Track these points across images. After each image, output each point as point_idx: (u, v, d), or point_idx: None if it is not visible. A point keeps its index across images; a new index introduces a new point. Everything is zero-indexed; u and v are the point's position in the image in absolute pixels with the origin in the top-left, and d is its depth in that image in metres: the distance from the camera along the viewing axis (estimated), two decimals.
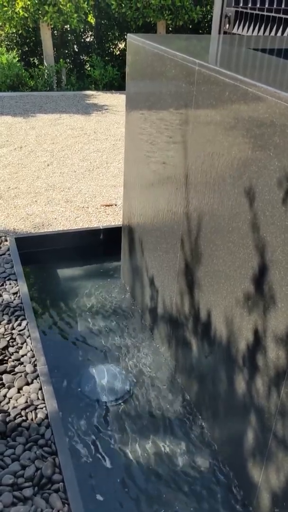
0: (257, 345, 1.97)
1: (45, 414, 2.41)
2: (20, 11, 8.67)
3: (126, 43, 10.76)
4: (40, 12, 8.80)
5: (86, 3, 8.87)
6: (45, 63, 9.75)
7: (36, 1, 8.62)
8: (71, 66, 11.15)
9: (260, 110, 1.76)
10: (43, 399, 2.49)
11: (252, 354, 2.02)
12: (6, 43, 10.76)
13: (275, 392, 1.89)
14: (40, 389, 2.55)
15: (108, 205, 4.68)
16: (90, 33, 11.45)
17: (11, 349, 2.79)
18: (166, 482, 2.38)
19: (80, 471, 2.37)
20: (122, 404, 2.78)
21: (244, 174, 1.91)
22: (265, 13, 5.30)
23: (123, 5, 9.53)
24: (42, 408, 2.44)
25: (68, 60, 11.14)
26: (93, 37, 11.46)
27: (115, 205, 4.70)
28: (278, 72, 2.21)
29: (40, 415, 2.40)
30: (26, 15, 8.75)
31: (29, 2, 8.55)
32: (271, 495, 2.03)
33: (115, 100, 8.73)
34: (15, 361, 2.71)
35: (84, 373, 2.96)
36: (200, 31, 11.31)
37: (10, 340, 2.85)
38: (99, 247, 4.15)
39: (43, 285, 3.81)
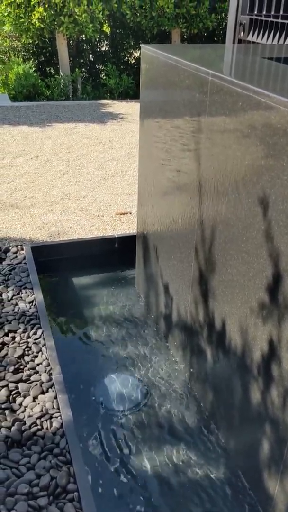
0: (272, 355, 1.96)
1: (60, 423, 2.42)
2: (36, 22, 8.79)
3: (141, 52, 10.83)
4: (56, 23, 8.91)
5: (101, 13, 8.96)
6: (61, 72, 9.86)
7: (52, 12, 8.74)
8: (87, 75, 11.25)
9: (273, 120, 1.76)
10: (58, 408, 2.50)
11: (267, 364, 2.00)
12: (22, 53, 10.91)
13: None
14: (55, 398, 2.56)
15: (123, 214, 4.70)
16: (106, 42, 11.55)
17: (26, 358, 2.81)
18: (180, 492, 2.36)
19: (94, 480, 2.38)
20: (136, 413, 2.78)
21: (257, 183, 1.91)
22: (280, 21, 5.29)
23: (138, 14, 9.61)
24: (57, 417, 2.45)
25: (83, 69, 11.25)
26: (108, 46, 11.56)
27: (130, 213, 4.71)
28: None
29: (55, 424, 2.41)
30: (42, 26, 8.87)
31: (45, 13, 8.67)
32: (287, 507, 2.01)
33: (130, 109, 8.79)
34: (30, 370, 2.73)
35: (99, 382, 2.97)
36: (215, 39, 11.34)
37: (26, 349, 2.87)
38: (114, 255, 4.16)
39: (59, 293, 3.83)
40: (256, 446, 2.18)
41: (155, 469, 2.47)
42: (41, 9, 8.62)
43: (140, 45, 3.07)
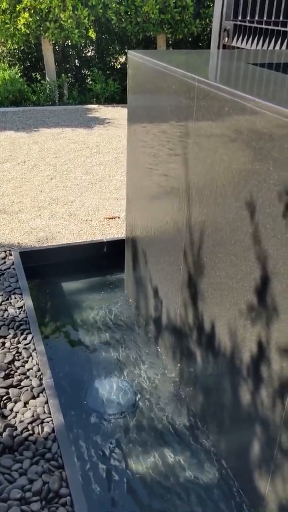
0: (261, 356, 1.99)
1: (52, 428, 2.42)
2: (22, 27, 8.79)
3: (126, 57, 10.87)
4: (41, 28, 8.92)
5: (86, 18, 8.99)
6: (47, 78, 9.87)
7: (38, 18, 8.75)
8: (73, 80, 11.27)
9: (258, 125, 1.80)
10: (50, 413, 2.50)
11: (256, 366, 2.03)
12: (8, 59, 10.90)
13: (279, 404, 1.91)
14: (46, 402, 2.56)
15: (112, 218, 4.72)
16: (91, 47, 11.58)
17: (17, 363, 2.80)
18: (171, 495, 2.38)
19: (86, 485, 2.38)
20: (127, 417, 2.79)
21: (244, 187, 1.94)
22: (263, 26, 5.37)
23: (123, 20, 9.66)
24: (48, 422, 2.45)
25: (69, 74, 11.27)
26: (94, 51, 11.59)
27: (118, 217, 4.73)
28: (277, 86, 2.25)
29: (47, 429, 2.41)
30: (28, 31, 8.88)
31: (30, 19, 8.68)
32: (278, 507, 2.03)
33: (117, 114, 8.82)
34: (21, 375, 2.73)
35: (89, 386, 2.98)
36: (200, 44, 11.43)
37: (16, 354, 2.87)
38: (103, 259, 4.18)
39: (48, 298, 3.83)
40: (246, 447, 2.21)
41: (146, 471, 2.49)
42: (26, 14, 8.62)
43: (127, 51, 3.10)
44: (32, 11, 8.67)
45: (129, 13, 9.59)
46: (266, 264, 1.86)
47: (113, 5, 9.22)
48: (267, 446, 2.03)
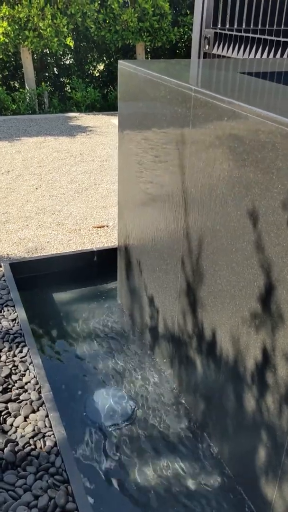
0: (266, 363, 2.00)
1: (54, 442, 2.39)
2: (1, 36, 8.75)
3: (105, 65, 10.94)
4: (20, 37, 8.89)
5: (66, 27, 9.00)
6: (26, 86, 9.82)
7: (17, 27, 8.72)
8: (52, 88, 11.24)
9: (261, 135, 1.82)
10: (51, 426, 2.47)
11: (261, 372, 2.04)
12: None
13: (286, 409, 1.92)
14: (47, 416, 2.53)
15: (100, 227, 4.71)
16: (70, 55, 11.59)
17: (14, 377, 2.77)
18: (176, 504, 2.37)
19: (93, 498, 2.36)
20: (127, 427, 2.77)
21: (246, 196, 1.96)
22: (243, 34, 5.45)
23: (102, 28, 9.69)
24: (50, 436, 2.42)
25: (48, 82, 11.24)
26: (72, 59, 11.60)
27: (107, 226, 4.72)
28: (275, 96, 2.29)
29: (49, 442, 2.38)
30: (7, 40, 8.83)
31: (9, 28, 8.64)
32: None
33: (98, 122, 8.82)
34: (19, 389, 2.69)
35: (88, 397, 2.95)
36: (177, 51, 11.54)
37: (13, 368, 2.83)
38: (94, 269, 4.16)
39: (41, 310, 3.80)
40: (252, 454, 2.21)
41: (150, 481, 2.47)
42: (5, 23, 8.58)
43: (118, 61, 3.11)
44: (10, 20, 8.63)
45: (107, 22, 9.63)
46: (271, 272, 1.88)
47: (92, 14, 9.25)
48: (274, 453, 2.04)
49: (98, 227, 4.70)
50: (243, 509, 2.32)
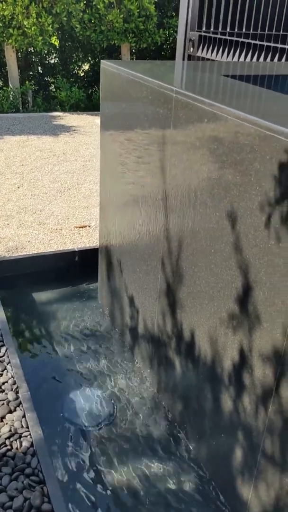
0: (243, 364, 2.01)
1: (30, 442, 2.37)
2: None
3: (90, 65, 10.89)
4: (4, 35, 8.82)
5: (50, 26, 8.95)
6: (10, 85, 9.74)
7: (1, 24, 8.65)
8: (36, 87, 11.17)
9: (240, 137, 1.83)
10: (27, 427, 2.45)
11: (238, 373, 2.05)
12: None
13: (262, 410, 1.93)
14: (24, 416, 2.51)
15: (82, 227, 4.69)
16: (54, 54, 11.53)
17: None
18: (153, 504, 2.37)
19: (68, 498, 2.34)
20: (105, 427, 2.76)
21: (225, 198, 1.97)
22: (227, 37, 5.49)
23: (87, 28, 9.67)
24: (26, 436, 2.40)
25: (33, 81, 11.17)
26: (57, 59, 11.54)
27: (89, 226, 4.71)
28: (256, 99, 2.30)
29: (25, 443, 2.36)
30: None
31: None
32: None
33: (82, 121, 8.80)
34: None
35: (66, 398, 2.94)
36: (163, 53, 11.56)
37: None
38: (75, 269, 4.14)
39: (21, 310, 3.77)
40: (228, 454, 2.22)
41: (127, 482, 2.47)
42: None
43: (95, 60, 3.10)
44: None
45: (93, 22, 9.61)
46: (248, 273, 1.89)
47: (77, 13, 9.22)
48: (250, 453, 2.06)
49: (80, 227, 4.69)
50: (219, 510, 2.33)
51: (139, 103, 2.63)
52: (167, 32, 10.58)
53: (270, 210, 1.72)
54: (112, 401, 2.93)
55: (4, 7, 8.45)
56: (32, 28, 8.72)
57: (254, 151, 1.76)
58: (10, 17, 8.61)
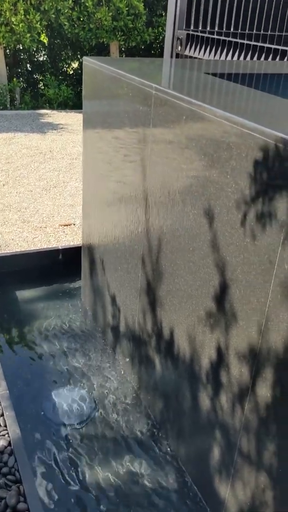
0: (220, 362, 2.01)
1: (8, 441, 2.35)
2: None
3: (79, 63, 10.86)
4: None
5: (38, 23, 8.90)
6: None
7: None
8: (25, 85, 11.11)
9: (217, 134, 1.82)
10: (5, 426, 2.43)
11: (216, 371, 2.05)
12: None
13: (239, 408, 1.93)
14: (2, 415, 2.48)
15: (67, 225, 4.67)
16: (43, 52, 11.47)
17: None
18: (132, 503, 2.36)
19: (46, 498, 2.32)
20: (86, 426, 2.75)
21: (202, 195, 1.96)
22: (215, 37, 5.49)
23: (76, 26, 9.63)
24: (4, 435, 2.38)
25: (21, 79, 11.10)
26: (46, 56, 11.49)
27: (74, 224, 4.68)
28: (234, 97, 2.30)
29: (3, 442, 2.34)
30: None
31: None
32: (238, 511, 2.05)
33: (70, 119, 8.76)
34: None
35: (46, 396, 2.92)
36: (152, 52, 11.55)
37: None
38: (59, 267, 4.11)
39: (3, 308, 3.73)
40: (206, 452, 2.22)
41: (106, 481, 2.45)
42: None
43: (82, 57, 3.08)
44: None
45: (81, 19, 9.57)
46: (225, 271, 1.88)
47: (66, 11, 9.17)
48: (227, 451, 2.05)
49: (64, 225, 4.66)
50: (198, 509, 2.32)
51: (120, 100, 2.62)
52: (156, 30, 10.57)
53: (245, 208, 1.71)
54: (93, 400, 2.91)
55: None
56: (20, 25, 8.66)
57: (231, 149, 1.75)
58: None
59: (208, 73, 2.82)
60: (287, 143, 1.50)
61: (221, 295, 1.93)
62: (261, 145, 1.60)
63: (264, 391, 1.76)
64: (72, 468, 2.50)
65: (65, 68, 11.75)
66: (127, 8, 9.45)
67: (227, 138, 1.77)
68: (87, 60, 2.99)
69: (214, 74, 2.78)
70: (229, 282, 1.87)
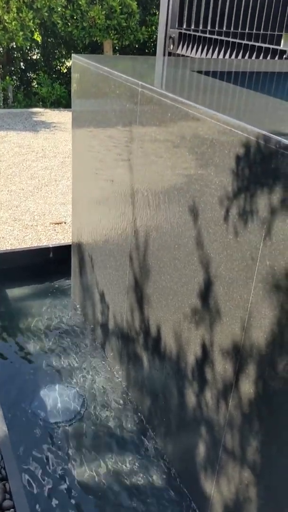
0: (205, 359, 2.01)
1: None
2: None
3: (72, 62, 10.83)
4: None
5: (31, 21, 8.88)
6: None
7: None
8: (18, 83, 11.09)
9: (200, 131, 1.83)
10: None
11: (201, 368, 2.05)
12: None
13: (223, 405, 1.94)
14: None
15: (58, 223, 4.66)
16: (37, 50, 11.45)
17: None
18: (119, 500, 2.36)
19: (32, 496, 2.33)
20: (74, 424, 2.75)
21: (187, 192, 1.97)
22: (207, 35, 5.49)
23: (69, 24, 9.61)
24: None
25: (14, 77, 11.08)
26: (40, 54, 11.47)
27: (65, 223, 4.68)
28: (219, 94, 2.30)
29: None
30: None
31: None
32: (223, 507, 2.06)
33: (63, 118, 8.75)
34: None
35: (35, 394, 2.91)
36: (146, 51, 11.55)
37: None
38: (49, 265, 4.11)
39: None
40: (192, 449, 2.23)
41: (94, 478, 2.46)
42: None
43: (72, 54, 3.08)
44: None
45: (75, 18, 9.56)
46: (209, 268, 1.89)
47: (59, 9, 9.16)
48: (212, 448, 2.06)
49: (55, 224, 4.66)
50: (185, 506, 2.33)
51: (108, 98, 2.62)
52: (150, 29, 10.57)
53: (228, 204, 1.72)
54: (82, 397, 2.91)
55: None
56: (13, 23, 8.64)
57: (214, 145, 1.76)
58: None
59: (198, 71, 2.82)
60: (268, 140, 1.51)
61: (206, 292, 1.94)
62: (243, 142, 1.61)
63: (247, 387, 1.77)
64: (59, 465, 2.50)
65: (58, 67, 11.74)
66: (120, 7, 9.44)
67: (210, 135, 1.78)
68: (76, 58, 2.98)
69: (204, 72, 2.79)
70: (213, 279, 1.88)
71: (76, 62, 3.00)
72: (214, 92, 2.32)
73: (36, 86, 10.62)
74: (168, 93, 2.03)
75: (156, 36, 10.71)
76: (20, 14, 8.73)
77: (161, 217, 2.20)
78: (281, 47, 5.20)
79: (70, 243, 3.74)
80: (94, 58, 3.05)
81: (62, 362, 3.17)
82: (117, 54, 11.33)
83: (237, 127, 1.63)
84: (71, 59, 11.38)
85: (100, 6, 9.37)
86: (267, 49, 4.64)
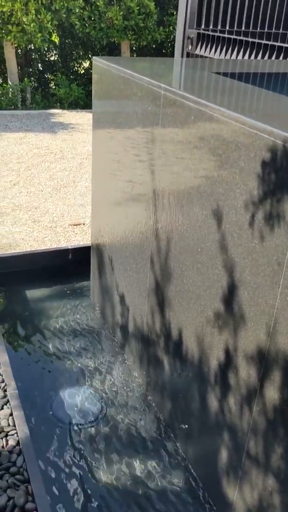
0: (228, 364, 2.00)
1: (17, 441, 2.36)
2: None
3: (90, 62, 10.88)
4: (3, 31, 8.80)
5: (50, 23, 8.92)
6: (9, 81, 9.73)
7: (0, 21, 8.63)
8: (36, 84, 11.15)
9: (225, 134, 1.81)
10: (14, 425, 2.44)
11: (224, 373, 2.04)
12: None
13: (247, 411, 1.92)
14: (11, 414, 2.50)
15: (76, 225, 4.68)
16: (55, 52, 11.50)
17: None
18: (141, 504, 2.35)
19: (54, 498, 2.33)
20: (94, 426, 2.75)
21: (211, 196, 1.95)
22: (226, 35, 5.46)
23: (87, 25, 9.64)
24: (13, 435, 2.39)
25: (32, 78, 11.15)
26: (57, 56, 11.51)
27: (83, 224, 4.69)
28: (242, 96, 2.28)
29: (11, 442, 2.35)
30: None
31: None
32: None
33: (81, 119, 8.77)
34: None
35: (55, 396, 2.92)
36: (164, 51, 11.52)
37: None
38: (68, 267, 4.12)
39: (13, 307, 3.75)
40: (214, 454, 2.21)
41: (114, 481, 2.45)
42: None
43: (92, 57, 3.08)
44: None
45: (93, 19, 9.58)
46: (233, 272, 1.87)
47: (77, 10, 9.19)
48: (235, 453, 2.04)
49: (74, 225, 4.67)
50: (205, 509, 2.31)
51: (129, 100, 2.61)
52: (167, 29, 10.54)
53: (254, 208, 1.70)
54: (102, 400, 2.91)
55: (3, 4, 8.42)
56: (31, 25, 8.69)
57: (239, 149, 1.74)
58: (9, 14, 8.58)
59: (218, 73, 2.80)
60: None
61: (230, 297, 1.92)
62: (269, 145, 1.59)
63: (272, 393, 1.75)
64: (80, 468, 2.51)
65: (76, 68, 11.78)
66: (138, 7, 9.44)
67: (235, 138, 1.76)
68: (97, 60, 2.99)
69: (224, 74, 2.77)
70: (238, 284, 1.86)
71: (97, 64, 3.00)
72: (236, 95, 2.30)
73: (54, 87, 10.66)
74: (190, 96, 2.01)
75: (174, 36, 10.68)
76: (39, 16, 8.77)
77: (183, 220, 2.19)
78: None
79: (89, 245, 3.75)
80: (113, 60, 3.05)
81: (81, 364, 3.17)
82: (135, 55, 11.32)
83: (263, 131, 1.61)
84: (88, 60, 11.40)
85: (118, 7, 9.37)
86: None
